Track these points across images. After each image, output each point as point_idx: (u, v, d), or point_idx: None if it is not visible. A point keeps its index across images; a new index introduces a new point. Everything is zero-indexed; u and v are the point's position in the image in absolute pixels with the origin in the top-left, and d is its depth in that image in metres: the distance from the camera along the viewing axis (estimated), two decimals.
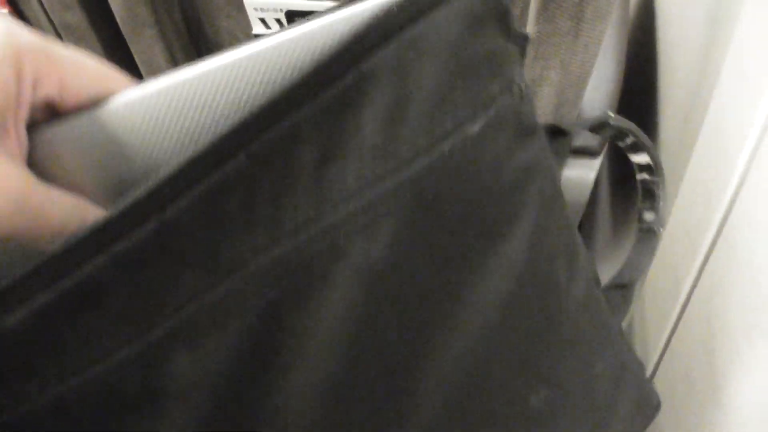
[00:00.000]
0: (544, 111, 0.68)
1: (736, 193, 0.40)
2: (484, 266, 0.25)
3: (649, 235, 0.35)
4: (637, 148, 0.38)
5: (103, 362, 0.21)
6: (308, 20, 0.24)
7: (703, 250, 0.46)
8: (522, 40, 0.28)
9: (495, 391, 0.27)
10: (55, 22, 0.79)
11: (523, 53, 0.28)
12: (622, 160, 0.94)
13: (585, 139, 0.81)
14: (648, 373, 0.60)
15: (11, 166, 0.21)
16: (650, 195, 0.37)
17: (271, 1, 0.69)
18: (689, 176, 0.57)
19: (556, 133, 0.33)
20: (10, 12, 0.81)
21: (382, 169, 0.23)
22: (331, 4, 0.66)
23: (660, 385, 0.57)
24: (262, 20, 0.72)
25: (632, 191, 0.89)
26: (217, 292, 0.21)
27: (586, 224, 1.18)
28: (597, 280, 0.32)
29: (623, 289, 0.34)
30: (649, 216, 0.36)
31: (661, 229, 0.35)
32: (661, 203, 0.35)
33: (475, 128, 0.24)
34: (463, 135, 0.24)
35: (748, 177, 0.39)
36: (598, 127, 0.38)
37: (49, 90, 0.23)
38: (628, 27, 0.89)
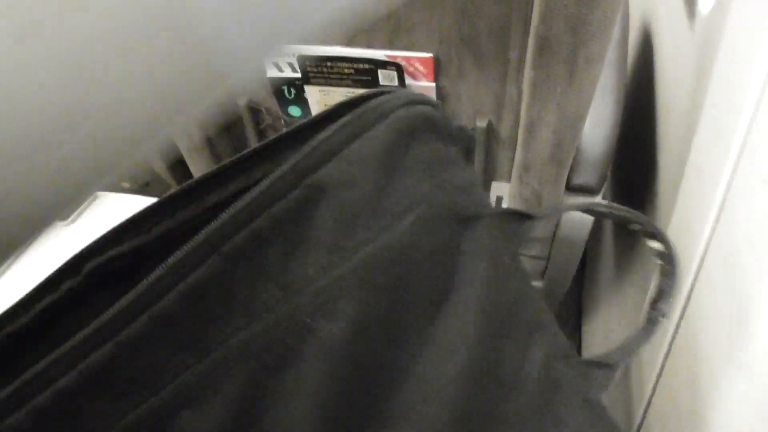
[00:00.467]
0: (542, 152, 0.71)
1: (712, 233, 0.42)
2: (431, 339, 0.29)
3: (652, 324, 0.36)
4: (649, 234, 0.38)
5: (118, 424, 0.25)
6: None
7: (686, 288, 0.48)
8: (467, 141, 0.33)
9: None
10: None
11: (469, 150, 0.33)
12: (626, 195, 0.96)
13: (584, 176, 0.84)
14: (643, 404, 0.62)
15: None
16: (665, 285, 0.37)
17: (285, 48, 0.73)
18: (675, 217, 0.59)
19: (521, 216, 0.36)
20: None
21: (334, 260, 0.27)
22: (341, 48, 0.70)
23: (652, 414, 0.59)
24: (276, 64, 0.76)
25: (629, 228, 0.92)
26: (205, 363, 0.26)
27: (590, 259, 1.19)
28: (567, 356, 0.34)
29: (607, 368, 0.35)
30: (662, 305, 0.36)
31: (663, 318, 0.35)
32: (671, 298, 0.36)
33: (406, 222, 0.29)
34: (399, 228, 0.28)
35: (722, 216, 0.41)
36: (588, 212, 0.40)
37: None
38: (627, 68, 0.92)
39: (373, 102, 0.29)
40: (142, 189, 0.75)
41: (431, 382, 0.29)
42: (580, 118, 0.68)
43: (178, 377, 0.26)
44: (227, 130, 0.91)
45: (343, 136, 0.28)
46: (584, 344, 1.10)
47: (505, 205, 0.64)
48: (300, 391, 0.27)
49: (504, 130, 0.77)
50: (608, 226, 1.09)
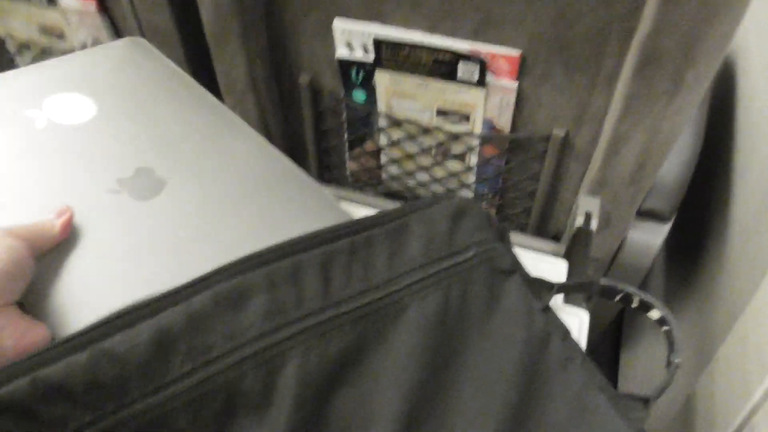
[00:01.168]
0: (623, 171, 0.67)
1: None
2: (483, 339, 0.39)
3: (669, 368, 0.41)
4: (647, 306, 0.44)
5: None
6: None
7: None
8: (502, 228, 0.44)
9: None
10: (143, 22, 0.80)
11: (502, 235, 0.44)
12: (687, 226, 0.91)
13: (657, 202, 0.79)
14: None
15: None
16: (670, 340, 0.43)
17: (361, 28, 0.69)
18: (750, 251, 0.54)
19: (543, 283, 0.44)
20: (97, 9, 0.82)
21: (423, 262, 0.39)
22: (421, 34, 0.65)
23: None
24: (348, 44, 0.71)
25: (690, 258, 0.87)
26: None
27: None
28: (602, 387, 0.40)
29: (641, 402, 0.40)
30: (670, 355, 0.42)
31: (678, 361, 0.41)
32: (676, 344, 0.42)
33: (470, 253, 0.41)
34: (466, 254, 0.41)
35: None
36: (588, 287, 0.47)
37: None
38: (709, 97, 0.87)
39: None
40: None
41: (485, 381, 0.37)
42: (671, 141, 0.63)
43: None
44: (284, 107, 0.86)
45: (401, 213, 0.41)
46: (621, 376, 1.06)
47: (594, 221, 0.60)
48: (398, 347, 0.36)
49: (581, 143, 0.73)
50: (659, 264, 1.04)
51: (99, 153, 0.46)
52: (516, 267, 0.43)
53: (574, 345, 0.42)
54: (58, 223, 0.38)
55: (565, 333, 0.42)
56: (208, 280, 0.33)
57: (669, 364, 0.42)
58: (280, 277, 0.34)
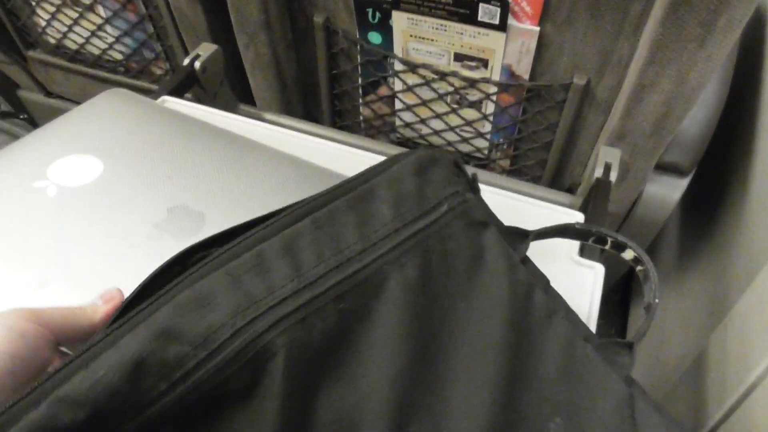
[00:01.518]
0: (645, 121, 0.65)
1: None
2: (469, 307, 0.37)
3: (649, 309, 0.41)
4: (620, 246, 0.43)
5: None
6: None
7: None
8: (471, 178, 0.42)
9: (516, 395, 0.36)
10: None
11: (472, 183, 0.42)
12: (704, 180, 0.89)
13: (678, 155, 0.77)
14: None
15: None
16: (645, 279, 0.42)
17: None
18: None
19: (518, 232, 0.43)
20: None
21: (396, 227, 0.36)
22: None
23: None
24: None
25: (706, 214, 0.85)
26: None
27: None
28: (587, 337, 0.39)
29: (626, 347, 0.39)
30: (647, 295, 0.41)
31: (657, 300, 0.41)
32: (653, 284, 0.41)
33: (443, 208, 0.38)
34: (440, 210, 0.38)
35: None
36: (564, 231, 0.45)
37: None
38: (737, 47, 0.84)
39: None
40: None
41: (475, 344, 0.36)
42: (698, 90, 0.61)
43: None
44: (297, 49, 0.84)
45: (377, 170, 0.39)
46: (630, 329, 1.05)
47: (614, 172, 0.58)
48: (383, 321, 0.34)
49: (602, 92, 0.70)
50: (674, 215, 1.02)
51: (122, 205, 0.44)
52: (490, 217, 0.41)
53: (556, 295, 0.41)
54: (101, 310, 0.34)
55: (546, 283, 0.41)
56: (168, 294, 0.30)
57: (648, 305, 0.41)
58: (242, 271, 0.32)
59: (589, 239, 0.45)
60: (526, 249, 0.42)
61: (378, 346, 0.33)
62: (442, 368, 0.35)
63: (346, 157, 0.59)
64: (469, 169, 0.44)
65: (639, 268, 0.43)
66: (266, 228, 0.34)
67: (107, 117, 0.54)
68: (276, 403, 0.30)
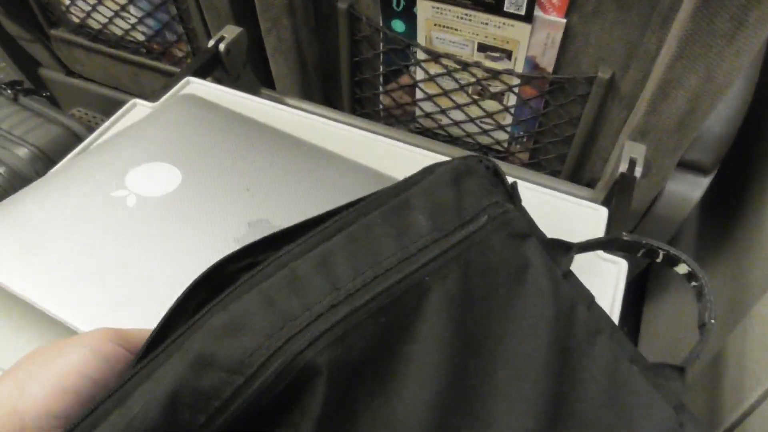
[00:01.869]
0: (670, 117, 0.64)
1: None
2: (512, 320, 0.35)
3: (703, 329, 0.38)
4: (673, 260, 0.41)
5: None
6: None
7: None
8: (511, 187, 0.40)
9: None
10: None
11: (512, 193, 0.40)
12: (725, 179, 0.88)
13: (700, 153, 0.76)
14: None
15: None
16: (700, 296, 0.40)
17: None
18: None
19: (560, 244, 0.41)
20: None
21: (435, 238, 0.34)
22: None
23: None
24: None
25: (726, 214, 0.84)
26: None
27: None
28: (634, 359, 0.37)
29: (677, 370, 0.37)
30: (701, 314, 0.39)
31: (713, 321, 0.38)
32: (709, 303, 0.39)
33: (483, 219, 0.36)
34: (479, 221, 0.36)
35: None
36: (609, 243, 0.43)
37: None
38: (764, 44, 0.82)
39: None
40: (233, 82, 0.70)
41: (517, 364, 0.34)
42: (725, 87, 0.60)
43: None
44: (319, 35, 0.84)
45: (414, 180, 0.37)
46: (643, 329, 1.05)
47: (638, 168, 0.57)
48: (424, 336, 0.32)
49: (626, 86, 0.70)
50: (694, 213, 1.01)
51: (202, 217, 0.44)
52: (532, 229, 0.39)
53: (601, 313, 0.39)
54: None
55: (591, 300, 0.39)
56: (201, 319, 0.29)
57: (702, 325, 0.38)
58: (276, 290, 0.30)
59: (639, 252, 0.43)
60: (570, 263, 0.40)
61: (420, 363, 0.32)
62: (483, 390, 0.33)
63: (368, 144, 0.59)
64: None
65: (693, 284, 0.41)
66: (299, 245, 0.32)
67: (182, 123, 0.53)
68: (315, 426, 0.29)
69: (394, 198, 0.35)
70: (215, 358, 0.28)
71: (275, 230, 0.37)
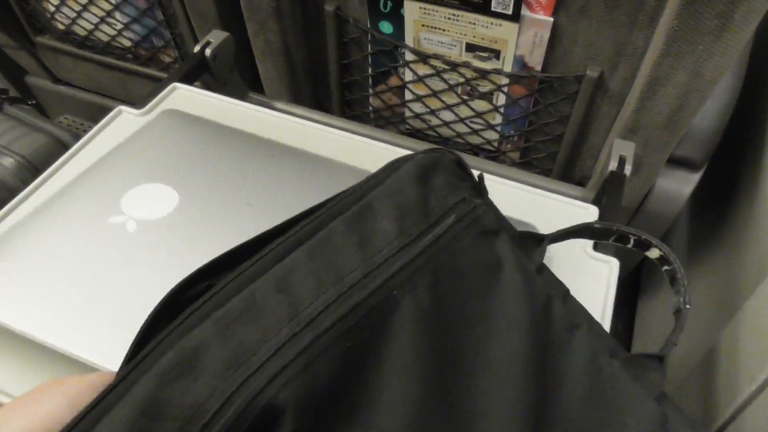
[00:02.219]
0: (659, 114, 0.64)
1: None
2: (489, 320, 0.34)
3: (678, 315, 0.38)
4: (644, 244, 0.40)
5: None
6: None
7: None
8: (478, 181, 0.39)
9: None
10: None
11: (479, 185, 0.39)
12: (715, 175, 0.89)
13: (690, 149, 0.76)
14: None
15: None
16: (673, 281, 0.39)
17: None
18: None
19: (532, 237, 0.40)
20: None
21: (402, 244, 0.33)
22: None
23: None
24: None
25: (717, 209, 0.85)
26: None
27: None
28: (612, 352, 0.37)
29: (656, 359, 0.37)
30: (675, 299, 0.38)
31: (688, 306, 0.38)
32: (683, 287, 0.38)
33: (450, 219, 0.35)
34: (446, 222, 0.35)
35: None
36: (581, 232, 0.42)
37: None
38: (752, 39, 0.83)
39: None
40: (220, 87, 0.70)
41: (497, 369, 0.33)
42: (713, 84, 0.60)
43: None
44: (307, 37, 0.83)
45: (378, 179, 0.36)
46: (638, 323, 1.05)
47: (628, 165, 0.57)
48: (395, 356, 0.30)
49: (615, 84, 0.70)
50: (685, 209, 1.02)
51: (205, 237, 0.43)
52: (501, 224, 0.38)
53: (577, 305, 0.38)
54: None
55: (566, 293, 0.38)
56: (151, 355, 0.27)
57: (677, 310, 0.38)
58: (231, 318, 0.28)
59: (610, 238, 0.42)
60: (543, 255, 0.39)
61: (393, 386, 0.29)
62: (465, 406, 0.31)
63: (357, 147, 0.59)
64: (474, 162, 0.42)
65: (665, 268, 0.40)
66: (255, 264, 0.30)
67: (168, 141, 0.52)
68: None
69: (356, 203, 0.34)
70: (166, 406, 0.26)
71: None
